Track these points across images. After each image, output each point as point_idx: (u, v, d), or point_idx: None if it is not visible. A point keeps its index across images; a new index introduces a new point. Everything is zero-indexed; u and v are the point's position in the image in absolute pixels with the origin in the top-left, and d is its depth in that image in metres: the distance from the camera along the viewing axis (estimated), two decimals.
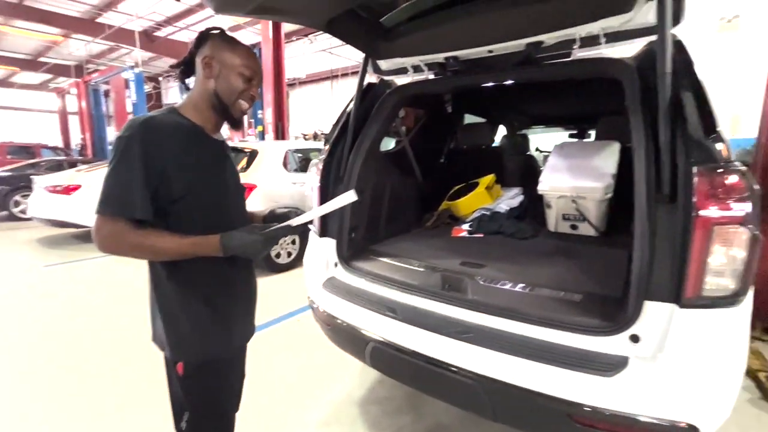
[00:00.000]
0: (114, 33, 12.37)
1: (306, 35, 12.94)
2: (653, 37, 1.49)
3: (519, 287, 1.57)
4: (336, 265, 1.99)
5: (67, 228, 6.17)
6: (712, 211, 1.10)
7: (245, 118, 1.27)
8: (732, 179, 1.09)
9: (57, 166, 8.58)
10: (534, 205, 2.57)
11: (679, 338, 1.15)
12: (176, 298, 1.06)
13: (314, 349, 2.73)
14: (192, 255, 0.99)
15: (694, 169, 1.12)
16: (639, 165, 1.28)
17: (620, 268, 1.75)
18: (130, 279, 4.34)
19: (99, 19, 12.68)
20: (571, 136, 4.51)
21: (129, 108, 11.77)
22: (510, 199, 2.54)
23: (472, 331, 1.40)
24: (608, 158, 2.04)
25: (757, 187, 1.09)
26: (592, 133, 4.40)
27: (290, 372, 2.53)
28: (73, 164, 8.93)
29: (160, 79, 19.84)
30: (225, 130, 1.20)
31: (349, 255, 2.02)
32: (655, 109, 1.28)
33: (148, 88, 16.38)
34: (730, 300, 1.13)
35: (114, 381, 2.42)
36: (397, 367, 1.60)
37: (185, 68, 1.12)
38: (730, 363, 1.13)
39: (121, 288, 4.16)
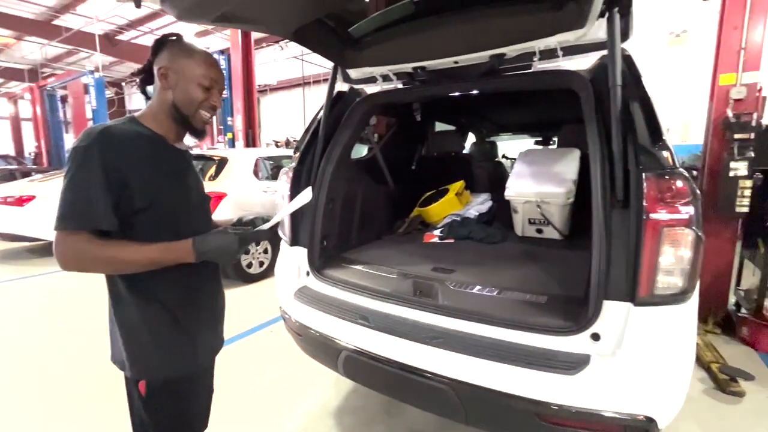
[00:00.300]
0: (72, 36, 11.81)
1: (277, 42, 12.83)
2: (605, 52, 1.58)
3: (488, 291, 1.61)
4: (308, 274, 1.98)
5: (20, 242, 5.79)
6: (660, 214, 1.18)
7: (214, 125, 1.26)
8: (678, 184, 1.17)
9: (9, 176, 8.06)
10: (502, 211, 2.64)
11: (634, 335, 1.21)
12: (136, 312, 1.02)
13: (287, 361, 2.68)
14: (162, 263, 0.96)
15: (644, 175, 1.19)
16: (595, 171, 1.35)
17: (582, 269, 1.83)
18: (87, 295, 4.11)
19: (56, 22, 12.08)
20: (536, 143, 4.69)
21: (89, 114, 11.22)
22: (479, 204, 2.61)
23: (443, 336, 1.42)
24: (569, 165, 2.14)
25: (698, 191, 1.17)
26: (556, 139, 4.61)
27: (263, 385, 2.47)
28: (26, 174, 8.44)
29: (123, 84, 19.07)
30: (190, 138, 1.17)
31: (320, 263, 2.01)
32: (608, 119, 1.36)
33: (110, 93, 15.73)
34: (679, 297, 1.20)
35: (69, 403, 2.28)
36: (371, 375, 1.60)
37: (145, 76, 1.09)
38: (681, 356, 1.20)
39: (78, 305, 3.93)
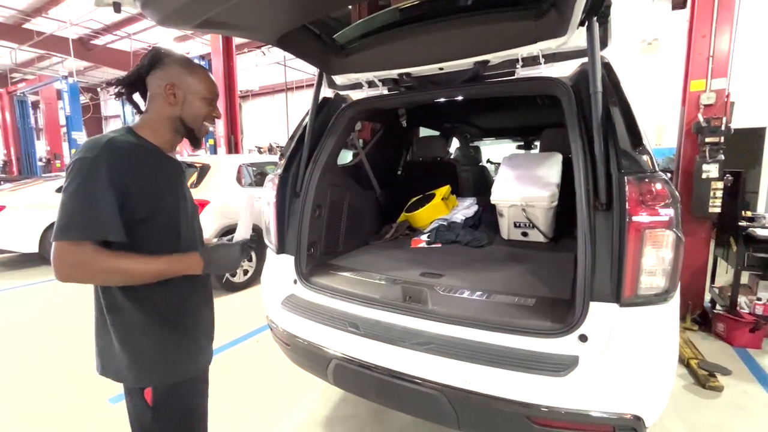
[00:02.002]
0: (44, 40, 11.44)
1: (259, 47, 12.73)
2: (586, 59, 1.63)
3: (476, 295, 1.62)
4: (295, 282, 1.95)
5: None
6: (642, 217, 1.21)
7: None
8: (658, 187, 1.21)
9: None
10: (488, 214, 2.68)
11: (620, 335, 1.24)
12: (138, 320, 1.02)
13: (275, 371, 2.62)
14: (168, 275, 0.99)
15: (626, 179, 1.22)
16: (578, 175, 1.38)
17: (568, 271, 1.87)
18: (62, 308, 3.95)
19: (26, 25, 11.68)
20: (518, 147, 4.78)
21: (62, 121, 10.85)
22: (465, 209, 2.63)
23: (433, 342, 1.42)
24: (552, 168, 2.18)
25: (677, 193, 1.22)
26: (538, 143, 4.71)
27: (250, 396, 2.41)
28: None
29: (99, 89, 18.56)
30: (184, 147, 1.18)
31: (308, 271, 1.98)
32: (590, 124, 1.40)
33: (84, 99, 15.26)
34: (662, 297, 1.24)
35: (50, 420, 2.17)
36: (362, 383, 1.58)
37: (132, 86, 1.10)
38: (665, 354, 1.23)
39: (54, 319, 3.77)
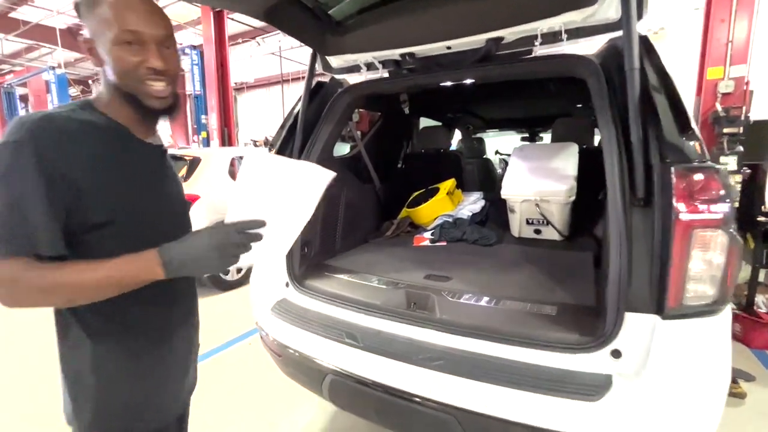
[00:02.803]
0: (30, 30, 11.08)
1: (253, 38, 12.42)
2: (614, 34, 1.44)
3: (490, 301, 1.44)
4: (287, 285, 1.76)
5: None
6: (691, 214, 1.03)
7: (188, 123, 1.00)
8: (710, 179, 1.03)
9: None
10: (496, 210, 2.49)
11: (662, 352, 1.06)
12: (88, 354, 0.78)
13: (267, 377, 2.45)
14: (125, 283, 0.72)
15: (672, 170, 1.04)
16: (610, 167, 1.20)
17: (588, 274, 1.70)
18: (18, 338, 3.21)
19: (13, 14, 11.30)
20: (523, 139, 4.59)
21: None
22: (471, 204, 2.45)
23: (443, 357, 1.24)
24: (568, 160, 2.00)
25: (732, 186, 1.03)
26: (544, 136, 4.52)
27: (241, 404, 2.24)
28: None
29: (91, 82, 18.17)
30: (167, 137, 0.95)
31: (301, 273, 1.80)
32: (624, 107, 1.21)
33: (75, 91, 14.90)
34: (712, 308, 1.06)
35: (50, 420, 2.00)
36: (361, 402, 1.41)
37: None
38: (715, 377, 1.06)
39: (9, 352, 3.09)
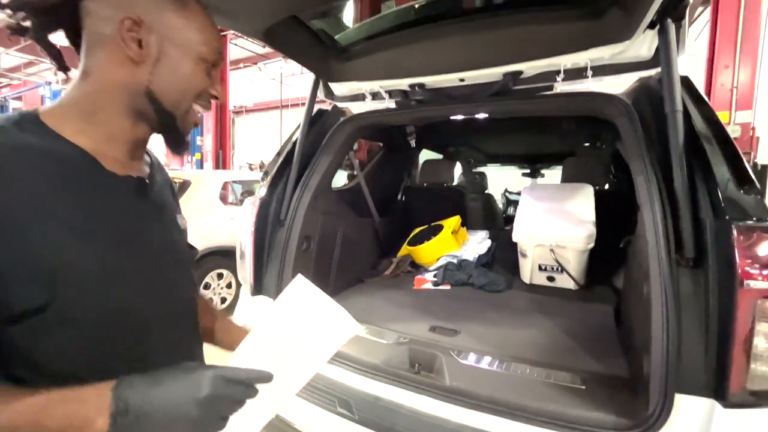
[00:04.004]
0: (32, 45, 11.06)
1: (255, 63, 12.59)
2: (644, 73, 1.33)
3: (508, 366, 1.25)
4: None
5: None
6: (758, 281, 0.87)
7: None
8: None
9: None
10: (502, 252, 2.33)
11: None
12: None
13: None
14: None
15: (733, 227, 0.89)
16: (651, 219, 1.06)
17: (611, 331, 1.52)
18: None
19: None
20: (524, 174, 4.51)
21: None
22: (477, 244, 2.29)
23: None
24: (585, 203, 1.86)
25: None
26: (545, 172, 4.43)
27: None
28: None
29: None
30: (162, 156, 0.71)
31: None
32: (664, 153, 1.08)
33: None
34: None
35: None
36: None
37: (50, 14, 0.55)
38: None
39: None
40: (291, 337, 0.57)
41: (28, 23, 0.55)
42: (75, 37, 0.57)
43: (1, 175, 0.45)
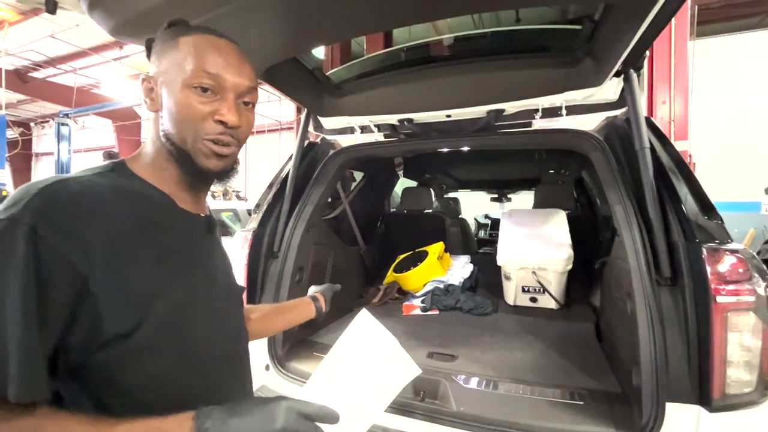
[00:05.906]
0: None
1: None
2: (611, 113, 1.51)
3: (510, 388, 1.30)
4: (267, 368, 1.52)
5: None
6: (726, 297, 0.99)
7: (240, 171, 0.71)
8: (740, 259, 1.01)
9: None
10: (484, 275, 2.43)
11: None
12: None
13: None
14: None
15: (703, 249, 1.02)
16: (631, 244, 1.18)
17: (595, 348, 1.62)
18: None
19: None
20: (492, 199, 4.74)
21: None
22: (461, 269, 2.37)
23: None
24: (560, 227, 2.01)
25: (764, 267, 1.03)
26: (512, 196, 4.69)
27: None
28: None
29: (33, 124, 17.04)
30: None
31: (284, 353, 1.57)
32: (635, 184, 1.23)
33: (14, 133, 13.82)
34: (754, 398, 1.00)
35: None
36: None
37: None
38: None
39: None
40: (357, 376, 0.59)
41: None
42: None
43: (104, 210, 0.52)
